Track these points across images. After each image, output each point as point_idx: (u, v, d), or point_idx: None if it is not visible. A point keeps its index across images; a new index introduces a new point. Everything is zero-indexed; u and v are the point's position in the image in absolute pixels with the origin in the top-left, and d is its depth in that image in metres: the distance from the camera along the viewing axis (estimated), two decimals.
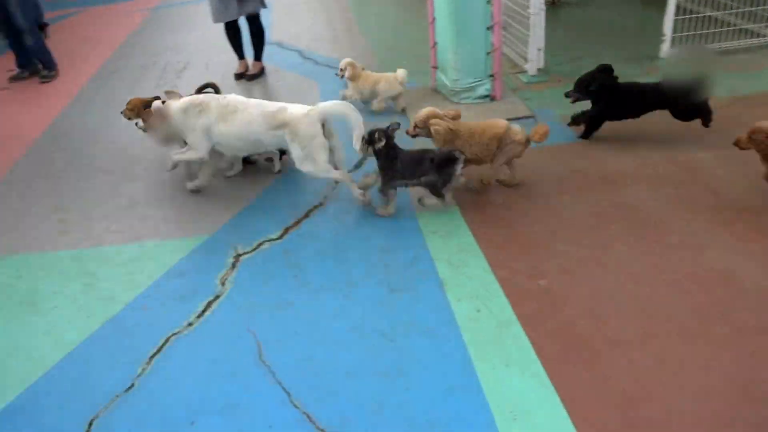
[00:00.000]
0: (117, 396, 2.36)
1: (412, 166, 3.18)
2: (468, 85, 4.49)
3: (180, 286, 2.95)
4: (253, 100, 3.49)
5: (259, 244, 3.21)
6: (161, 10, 8.92)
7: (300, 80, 5.55)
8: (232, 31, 5.55)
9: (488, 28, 4.27)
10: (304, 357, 2.47)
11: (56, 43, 7.53)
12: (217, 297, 2.85)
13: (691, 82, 3.61)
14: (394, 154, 3.19)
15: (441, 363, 2.35)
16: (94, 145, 4.59)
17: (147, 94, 5.45)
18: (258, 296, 2.84)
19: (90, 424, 2.24)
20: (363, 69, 4.62)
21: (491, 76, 4.49)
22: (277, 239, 3.25)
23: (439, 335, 2.49)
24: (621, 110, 3.78)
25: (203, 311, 2.77)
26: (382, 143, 3.15)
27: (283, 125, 3.31)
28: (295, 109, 3.35)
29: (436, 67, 4.86)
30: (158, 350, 2.57)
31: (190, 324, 2.70)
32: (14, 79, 6.33)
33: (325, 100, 4.93)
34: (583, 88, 3.78)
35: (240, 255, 3.14)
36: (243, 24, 5.53)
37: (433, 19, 4.62)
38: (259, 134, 3.38)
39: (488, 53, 4.35)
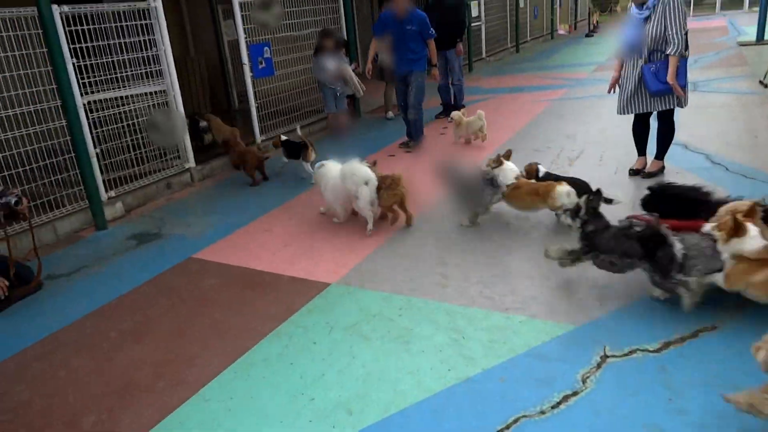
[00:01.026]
0: None
1: None
2: None
3: (539, 369, 2.84)
4: None
5: (631, 351, 2.90)
6: (563, 101, 9.32)
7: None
8: (642, 125, 5.38)
9: None
10: None
11: None
12: (576, 393, 2.65)
13: None
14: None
15: None
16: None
17: None
18: (622, 407, 2.53)
19: None
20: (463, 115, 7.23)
21: None
22: (653, 351, 2.88)
23: None
24: None
25: (558, 403, 2.60)
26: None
27: None
28: None
29: None
30: (506, 427, 2.49)
31: (542, 412, 2.56)
32: (401, 145, 7.44)
33: None
34: None
35: (607, 356, 2.88)
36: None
37: None
38: None
39: None
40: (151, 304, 3.91)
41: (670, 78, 4.79)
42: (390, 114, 9.30)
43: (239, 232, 5.08)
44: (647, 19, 4.88)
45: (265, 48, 7.82)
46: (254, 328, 3.48)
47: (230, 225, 5.24)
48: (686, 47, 4.85)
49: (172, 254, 4.70)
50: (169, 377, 3.10)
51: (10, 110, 4.99)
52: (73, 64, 5.35)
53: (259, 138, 7.77)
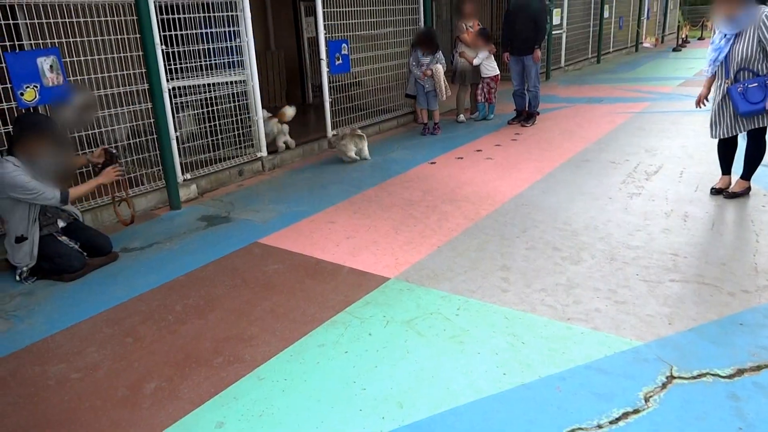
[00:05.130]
0: None
1: None
2: None
3: (598, 383, 2.73)
4: None
5: (701, 375, 2.74)
6: (645, 114, 8.96)
7: None
8: (728, 143, 5.10)
9: None
10: None
11: (539, 130, 8.39)
12: (637, 411, 2.53)
13: None
14: None
15: None
16: (549, 221, 4.81)
17: (610, 188, 5.51)
18: (686, 431, 2.39)
19: None
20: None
21: None
22: (724, 377, 2.72)
23: None
24: None
25: (617, 419, 2.49)
26: None
27: None
28: None
29: None
30: None
31: (599, 426, 2.46)
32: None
33: None
34: None
35: (674, 377, 2.74)
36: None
37: None
38: None
39: None
40: (216, 283, 4.04)
41: None
42: (461, 117, 9.22)
43: (304, 221, 5.17)
44: (735, 37, 4.66)
45: (343, 45, 7.93)
46: (312, 315, 3.53)
47: (296, 214, 5.34)
48: None
49: (238, 238, 4.84)
50: (227, 354, 3.18)
51: (102, 90, 5.29)
52: (162, 50, 5.60)
53: (330, 132, 7.88)
